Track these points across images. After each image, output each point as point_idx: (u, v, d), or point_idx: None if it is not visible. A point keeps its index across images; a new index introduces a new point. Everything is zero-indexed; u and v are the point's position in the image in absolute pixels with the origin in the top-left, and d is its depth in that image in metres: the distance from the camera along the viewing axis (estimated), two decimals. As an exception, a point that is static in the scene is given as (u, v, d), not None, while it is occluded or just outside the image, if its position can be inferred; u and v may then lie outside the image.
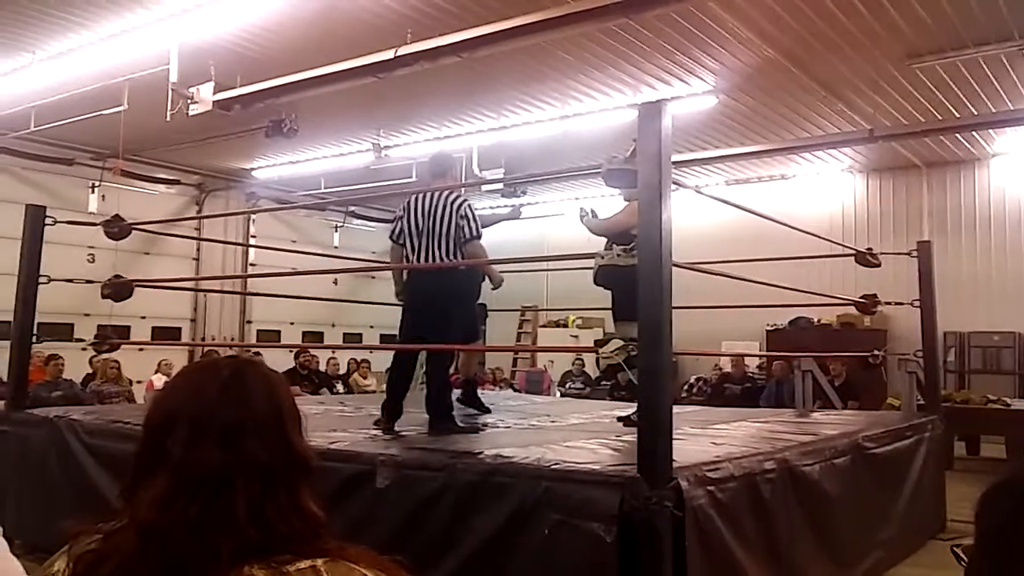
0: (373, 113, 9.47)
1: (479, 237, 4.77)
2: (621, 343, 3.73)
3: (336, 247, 14.00)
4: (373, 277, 13.82)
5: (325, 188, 12.64)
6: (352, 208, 14.74)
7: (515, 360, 14.74)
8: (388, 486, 3.43)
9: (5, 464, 5.17)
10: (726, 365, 11.64)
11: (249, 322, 13.75)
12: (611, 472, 3.05)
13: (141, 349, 10.51)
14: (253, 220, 13.74)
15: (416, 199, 4.85)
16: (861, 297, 6.71)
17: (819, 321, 11.69)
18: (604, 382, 11.58)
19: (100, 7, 6.81)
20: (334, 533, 1.09)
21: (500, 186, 10.96)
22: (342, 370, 11.82)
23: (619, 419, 5.06)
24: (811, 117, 9.41)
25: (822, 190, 12.27)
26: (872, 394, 9.06)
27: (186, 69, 7.20)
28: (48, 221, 5.35)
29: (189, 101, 7.48)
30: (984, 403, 8.55)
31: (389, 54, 6.53)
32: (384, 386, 10.69)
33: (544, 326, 14.60)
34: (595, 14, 5.69)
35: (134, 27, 6.97)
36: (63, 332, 9.19)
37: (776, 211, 7.25)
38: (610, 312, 4.98)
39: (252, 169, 12.64)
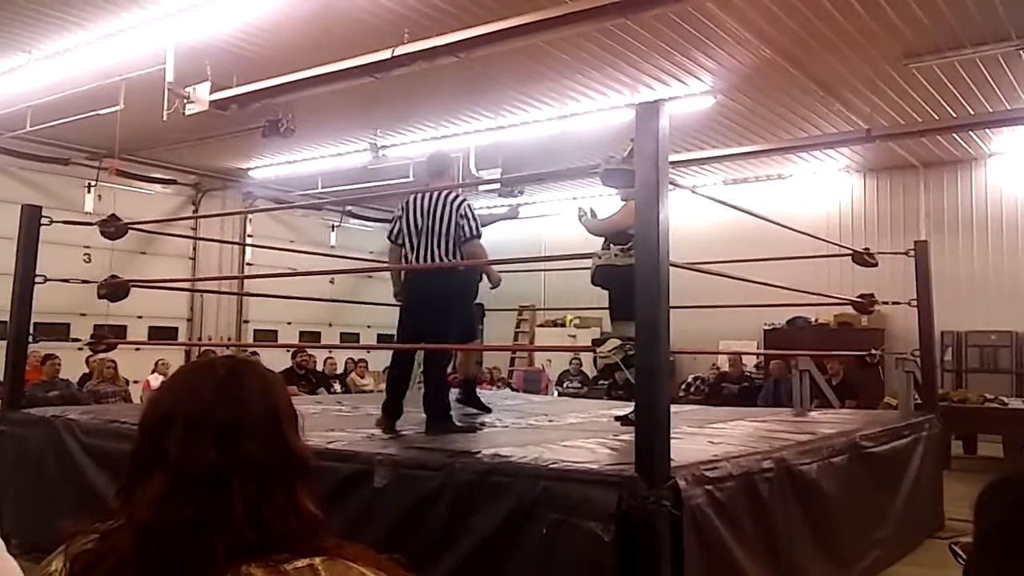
0: (370, 113, 9.47)
1: (479, 236, 4.77)
2: (619, 342, 3.74)
3: (333, 247, 14.00)
4: (370, 277, 13.80)
5: (322, 188, 12.63)
6: (349, 208, 14.73)
7: (513, 359, 14.74)
8: (386, 485, 3.43)
9: (2, 464, 5.16)
10: (724, 364, 11.65)
11: (246, 322, 13.74)
12: (609, 471, 3.05)
13: (138, 349, 10.49)
14: (250, 220, 13.73)
15: (415, 199, 4.85)
16: (858, 296, 6.72)
17: (816, 320, 11.71)
18: (602, 381, 11.58)
19: (96, 7, 6.79)
20: (332, 532, 1.08)
21: (498, 186, 11.02)
22: (339, 370, 11.80)
23: (617, 418, 5.06)
24: (808, 117, 9.42)
25: (819, 190, 12.28)
26: (870, 393, 9.07)
27: (182, 69, 7.19)
28: (44, 221, 5.34)
29: (185, 101, 7.47)
30: (981, 402, 8.56)
31: (386, 54, 6.53)
32: (381, 385, 10.72)
33: (542, 325, 14.61)
34: (593, 14, 5.69)
35: (130, 27, 6.96)
36: (59, 332, 9.16)
37: (773, 211, 7.26)
38: (607, 312, 4.98)
39: (249, 169, 12.63)
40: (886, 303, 6.48)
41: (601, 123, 9.16)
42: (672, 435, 3.07)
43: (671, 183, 3.30)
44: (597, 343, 4.00)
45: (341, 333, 14.54)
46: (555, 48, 7.41)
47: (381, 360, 11.00)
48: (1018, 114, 8.61)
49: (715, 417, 5.66)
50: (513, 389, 11.94)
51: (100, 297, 5.39)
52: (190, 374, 1.19)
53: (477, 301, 5.54)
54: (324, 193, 12.82)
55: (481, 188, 11.27)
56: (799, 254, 7.85)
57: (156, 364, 10.22)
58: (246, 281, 12.91)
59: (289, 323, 13.87)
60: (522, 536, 3.05)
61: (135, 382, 9.96)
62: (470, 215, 4.74)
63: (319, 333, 14.29)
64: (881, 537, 4.73)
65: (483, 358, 13.20)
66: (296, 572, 0.99)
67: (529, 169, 10.54)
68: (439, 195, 4.78)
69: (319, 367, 11.29)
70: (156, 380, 9.53)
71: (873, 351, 6.96)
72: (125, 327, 10.74)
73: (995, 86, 8.14)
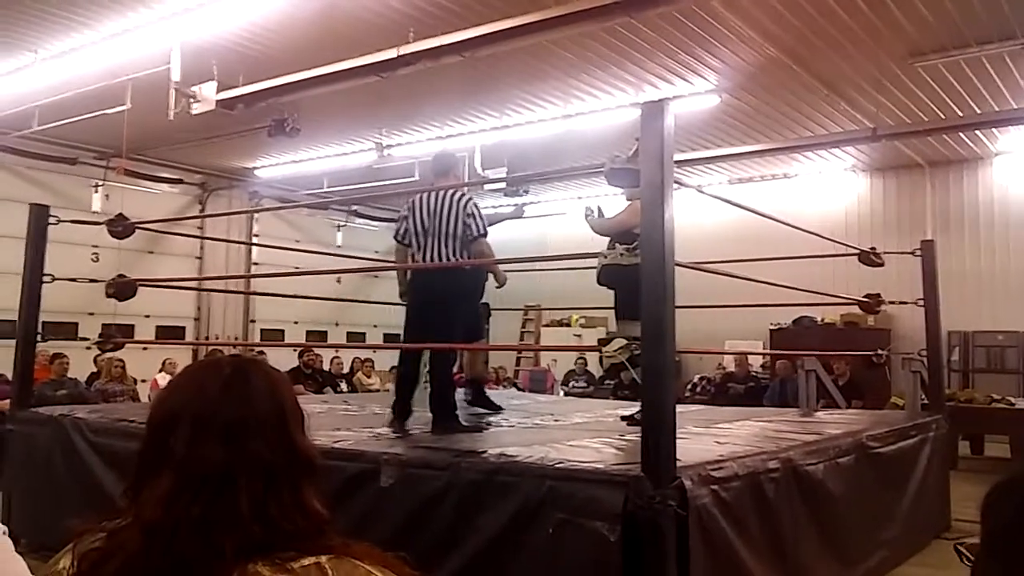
0: (376, 112, 9.47)
1: (485, 235, 4.78)
2: (624, 342, 3.74)
3: (339, 246, 14.01)
4: (377, 276, 13.81)
5: (328, 187, 12.63)
6: (355, 207, 14.74)
7: (518, 359, 14.74)
8: (392, 485, 3.43)
9: (11, 462, 5.18)
10: (730, 364, 11.63)
11: (253, 321, 13.76)
12: (615, 471, 3.05)
13: (145, 348, 10.53)
14: (256, 219, 13.74)
15: (421, 199, 4.85)
16: (865, 296, 6.71)
17: (823, 320, 11.67)
18: (607, 381, 11.58)
19: (102, 6, 6.81)
20: (338, 531, 1.09)
21: (503, 185, 11.02)
22: (346, 369, 11.81)
23: (623, 418, 5.06)
24: (814, 116, 9.40)
25: (825, 189, 12.25)
26: (876, 393, 9.05)
27: (189, 68, 7.20)
28: (52, 220, 5.36)
29: (192, 100, 7.48)
30: (988, 402, 8.53)
31: (392, 53, 6.54)
32: (388, 385, 10.73)
33: (547, 325, 14.60)
34: (597, 13, 5.69)
35: (137, 26, 6.97)
36: (67, 331, 9.23)
37: (779, 210, 7.25)
38: (613, 311, 4.98)
39: (255, 168, 12.65)
40: (892, 303, 6.46)
41: (606, 122, 9.15)
42: (678, 435, 3.07)
43: (676, 182, 3.30)
44: (603, 343, 4.00)
45: (347, 332, 14.55)
46: (560, 47, 7.41)
47: (387, 359, 11.01)
48: (1025, 113, 8.59)
49: (721, 417, 5.66)
50: (519, 389, 11.95)
51: (108, 296, 5.41)
52: (197, 373, 1.19)
53: (483, 301, 5.55)
54: (330, 192, 12.83)
55: (486, 187, 11.28)
56: (805, 254, 7.84)
57: (163, 363, 10.25)
58: (253, 280, 12.94)
59: (296, 322, 13.90)
60: (528, 536, 3.05)
61: (143, 381, 9.98)
62: (477, 214, 4.74)
63: (326, 332, 14.31)
64: (887, 537, 4.72)
65: (489, 358, 13.21)
66: (303, 570, 1.00)
67: (534, 168, 10.54)
68: (445, 194, 4.78)
69: (326, 366, 11.31)
70: (163, 379, 9.55)
71: (880, 351, 6.94)
72: (133, 326, 10.78)
73: (1001, 85, 8.12)
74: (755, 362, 11.68)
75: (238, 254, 13.64)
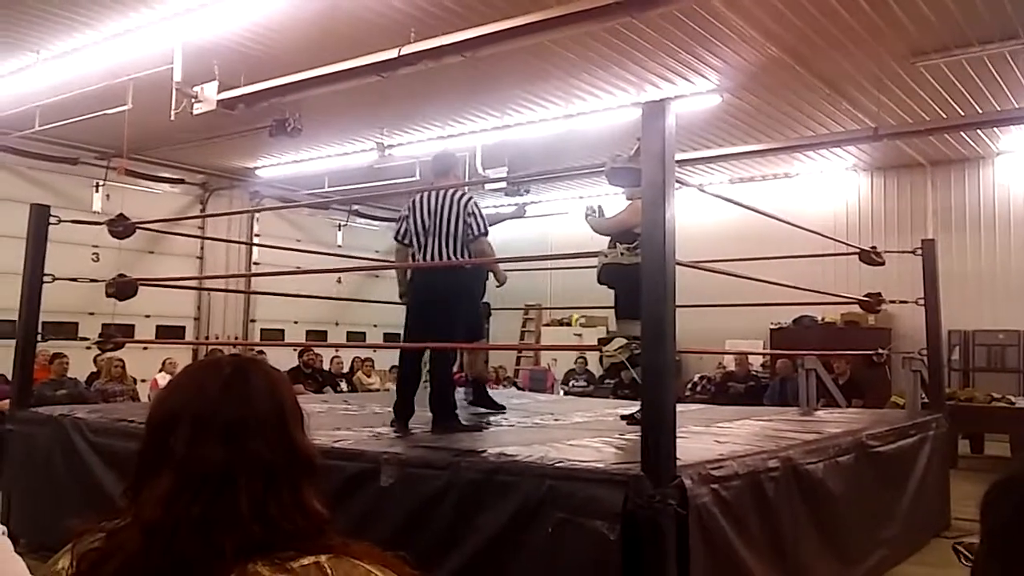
0: (377, 112, 9.48)
1: (486, 234, 4.78)
2: (624, 341, 3.74)
3: (340, 246, 14.02)
4: (377, 276, 13.82)
5: (329, 187, 12.63)
6: (356, 207, 14.74)
7: (518, 358, 14.74)
8: (392, 484, 3.43)
9: (10, 462, 5.18)
10: (730, 364, 11.62)
11: (253, 321, 13.77)
12: (615, 470, 3.05)
13: (145, 348, 10.53)
14: (257, 219, 13.74)
15: (421, 198, 4.85)
16: (865, 295, 6.71)
17: (823, 319, 11.67)
18: (607, 380, 11.57)
19: (104, 6, 6.81)
20: (338, 530, 1.09)
21: (504, 185, 11.02)
22: (346, 368, 11.82)
23: (623, 417, 5.06)
24: (815, 115, 9.39)
25: (826, 188, 12.25)
26: (876, 392, 9.04)
27: (190, 68, 7.20)
28: (52, 220, 5.37)
29: (193, 100, 7.49)
30: (988, 401, 8.53)
31: (393, 53, 6.54)
32: (388, 384, 10.74)
33: (548, 325, 14.60)
34: (599, 13, 5.68)
35: (138, 26, 6.97)
36: (68, 331, 9.23)
37: (780, 210, 7.25)
38: (613, 311, 4.98)
39: (256, 168, 12.65)
40: (893, 302, 6.46)
41: (607, 122, 9.15)
42: (678, 434, 3.07)
43: (677, 182, 3.30)
44: (603, 342, 4.00)
45: (348, 332, 14.55)
46: (561, 47, 7.41)
47: (388, 359, 11.02)
48: (1026, 112, 8.58)
49: (721, 416, 5.66)
50: (519, 388, 11.95)
51: (108, 296, 5.41)
52: (197, 373, 1.19)
53: (483, 300, 5.55)
54: (331, 192, 12.83)
55: (487, 187, 11.28)
56: (806, 253, 7.85)
57: (164, 363, 10.25)
58: (253, 280, 12.96)
59: (296, 322, 13.90)
60: (528, 535, 3.05)
61: (143, 381, 9.99)
62: (477, 213, 4.75)
63: (326, 332, 14.31)
64: (887, 536, 4.72)
65: (489, 357, 13.22)
66: (303, 570, 1.00)
67: (535, 168, 10.54)
68: (446, 194, 4.78)
69: (326, 366, 11.31)
70: (163, 379, 9.55)
71: (880, 350, 6.94)
72: (133, 326, 10.78)
73: (1003, 84, 8.11)
74: (755, 361, 11.67)
75: (238, 254, 13.64)
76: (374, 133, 10.48)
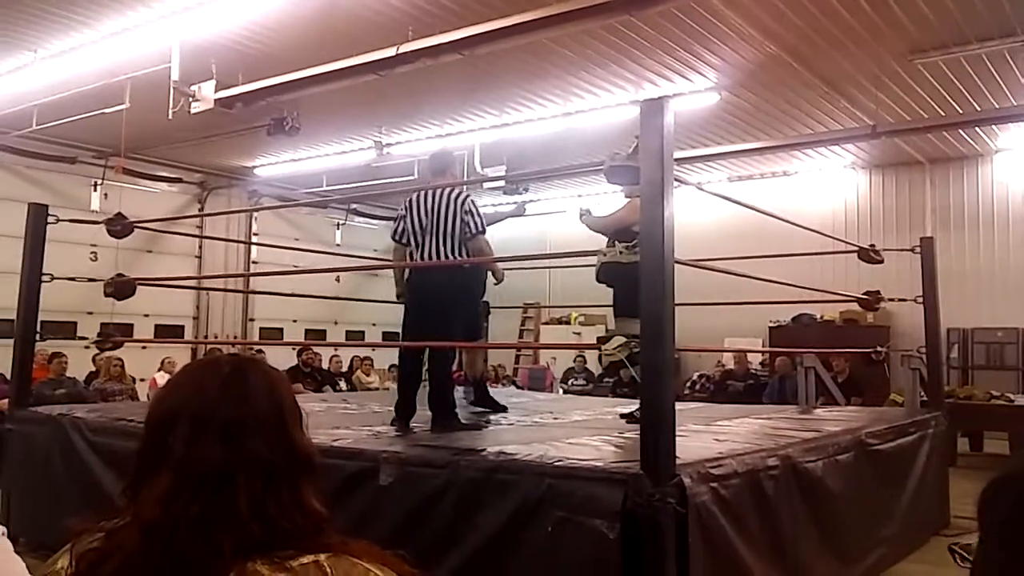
0: (375, 110, 9.47)
1: (483, 232, 4.77)
2: (623, 340, 3.74)
3: (338, 245, 14.02)
4: (376, 275, 13.81)
5: (327, 186, 12.64)
6: (354, 206, 14.73)
7: (518, 357, 14.75)
8: (391, 483, 3.43)
9: (9, 462, 5.18)
10: (729, 362, 11.63)
11: (251, 320, 13.76)
12: (614, 469, 3.05)
13: (144, 347, 10.53)
14: (255, 218, 13.74)
15: (418, 197, 4.84)
16: (864, 293, 6.71)
17: (822, 317, 11.68)
18: (607, 379, 11.59)
19: (102, 5, 6.80)
20: (337, 529, 1.09)
21: (502, 183, 11.01)
22: (345, 367, 11.83)
23: (622, 416, 5.06)
24: (814, 113, 9.39)
25: (825, 186, 12.25)
26: (875, 390, 9.05)
27: (188, 67, 7.20)
28: (51, 219, 5.36)
29: (191, 99, 7.48)
30: (987, 399, 8.54)
31: (391, 51, 6.53)
32: (387, 383, 10.74)
33: (547, 323, 14.60)
34: (597, 11, 5.68)
35: (136, 25, 6.97)
36: (66, 330, 9.21)
37: (778, 208, 7.25)
38: (612, 309, 4.97)
39: (254, 167, 12.64)
40: (892, 300, 6.46)
41: (606, 120, 9.15)
42: (677, 433, 3.07)
43: (676, 180, 3.30)
44: (602, 341, 4.00)
45: (346, 331, 14.55)
46: (559, 45, 7.41)
47: (387, 358, 11.02)
48: (1024, 110, 8.58)
49: (720, 415, 5.66)
50: (518, 387, 11.95)
51: (106, 295, 5.40)
52: (195, 372, 1.19)
53: (483, 299, 5.54)
54: (329, 191, 12.83)
55: (486, 185, 11.28)
56: (804, 251, 7.85)
57: (162, 362, 10.25)
58: (252, 279, 12.94)
59: (295, 321, 13.90)
60: (527, 534, 3.05)
61: (141, 380, 9.98)
62: (474, 211, 4.74)
63: (324, 331, 14.31)
64: (886, 535, 4.72)
65: (488, 356, 13.22)
66: (302, 568, 1.00)
67: (534, 166, 10.53)
68: (443, 193, 4.77)
69: (325, 365, 11.32)
70: (162, 378, 9.55)
71: (879, 348, 6.95)
72: (131, 325, 10.77)
73: (1001, 82, 8.11)
74: (754, 359, 11.68)
75: (237, 253, 13.64)
76: (372, 132, 10.47)
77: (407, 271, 5.04)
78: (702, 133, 10.05)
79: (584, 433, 4.34)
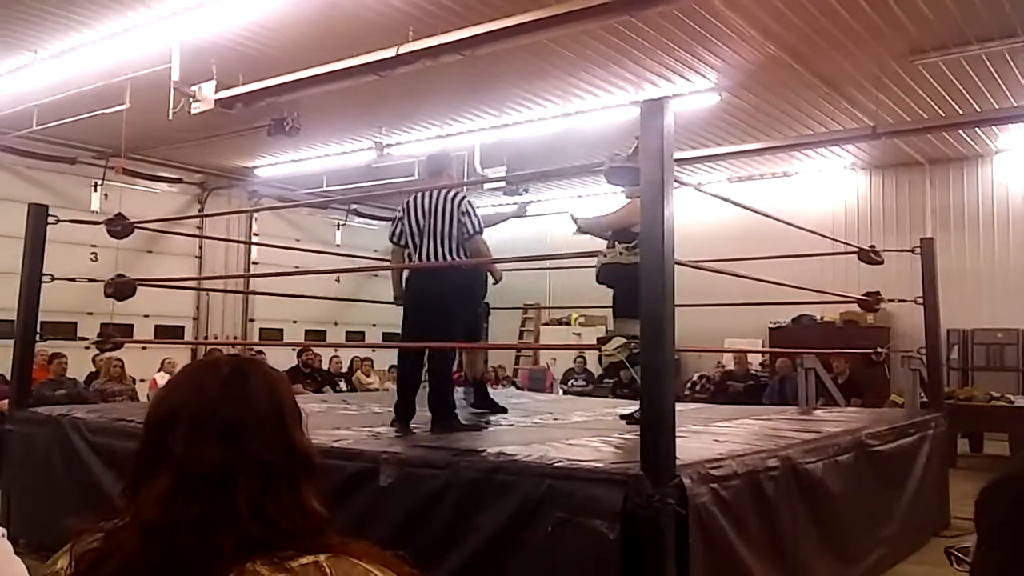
0: (375, 111, 9.47)
1: (481, 232, 4.77)
2: (623, 341, 3.74)
3: (338, 245, 14.01)
4: (376, 275, 13.80)
5: (327, 186, 12.64)
6: (354, 206, 14.74)
7: (518, 358, 14.74)
8: (391, 484, 3.43)
9: (9, 462, 5.18)
10: (729, 363, 11.63)
11: (252, 320, 13.76)
12: (614, 470, 3.05)
13: (144, 348, 10.53)
14: (255, 218, 13.74)
15: (415, 199, 4.84)
16: (864, 294, 6.71)
17: (822, 318, 11.68)
18: (607, 380, 11.58)
19: (102, 6, 6.81)
20: (337, 530, 1.09)
21: (503, 184, 11.01)
22: (344, 368, 11.83)
23: (622, 417, 5.06)
24: (814, 114, 9.40)
25: (825, 187, 12.25)
26: (875, 391, 9.05)
27: (188, 68, 7.20)
28: (51, 220, 5.36)
29: (191, 100, 7.48)
30: (987, 400, 8.53)
31: (391, 52, 6.53)
32: (387, 384, 10.74)
33: (547, 324, 14.60)
34: (597, 11, 5.68)
35: (136, 26, 6.97)
36: (66, 331, 9.22)
37: (778, 209, 7.26)
38: (611, 310, 4.97)
39: (254, 167, 12.64)
40: (892, 301, 6.46)
41: (606, 121, 9.15)
42: (677, 433, 3.07)
43: (676, 181, 3.30)
44: (602, 341, 4.00)
45: (347, 332, 14.55)
46: (560, 46, 7.41)
47: (387, 359, 11.02)
48: (1024, 111, 8.58)
49: (720, 415, 5.65)
50: (518, 388, 11.95)
51: (106, 296, 5.40)
52: (195, 372, 1.19)
53: (484, 300, 5.53)
54: (329, 192, 12.83)
55: (486, 186, 11.28)
56: (804, 252, 7.84)
57: (162, 363, 10.25)
58: (252, 280, 12.94)
59: (295, 322, 13.90)
60: (527, 534, 3.05)
61: (141, 381, 9.98)
62: (471, 211, 4.73)
63: (324, 332, 14.31)
64: (886, 535, 4.72)
65: (488, 356, 13.21)
66: (301, 569, 1.00)
67: (534, 167, 10.54)
68: (439, 194, 4.77)
69: (324, 366, 11.32)
70: (162, 379, 9.55)
71: (879, 349, 6.95)
72: (131, 326, 10.77)
73: (1001, 82, 8.11)
74: (754, 360, 11.68)
75: (237, 253, 13.64)
76: (372, 132, 10.48)
77: (405, 275, 5.04)
78: (702, 134, 10.05)
79: (584, 434, 4.34)
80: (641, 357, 3.07)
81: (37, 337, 5.43)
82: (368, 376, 11.79)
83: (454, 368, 5.59)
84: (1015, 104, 8.55)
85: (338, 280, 13.03)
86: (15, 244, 5.69)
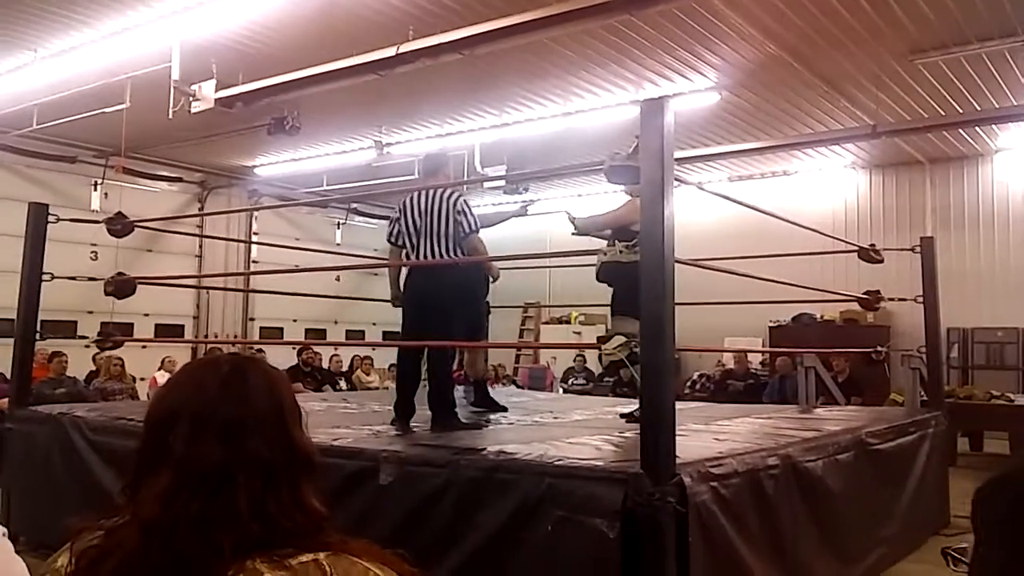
0: (375, 110, 9.47)
1: (477, 231, 4.77)
2: (624, 339, 3.74)
3: (338, 244, 14.01)
4: (376, 274, 13.77)
5: (327, 185, 12.64)
6: (354, 205, 14.73)
7: (518, 357, 14.75)
8: (391, 482, 3.43)
9: (9, 461, 5.18)
10: (729, 361, 11.63)
11: (252, 319, 13.77)
12: (614, 468, 3.05)
13: (144, 346, 10.53)
14: (255, 217, 13.74)
15: (411, 199, 4.84)
16: (864, 293, 6.71)
17: (822, 317, 11.68)
18: (607, 378, 11.57)
19: (102, 4, 6.80)
20: (337, 528, 1.09)
21: (502, 183, 11.00)
22: (345, 367, 11.83)
23: (622, 415, 5.06)
24: (814, 113, 9.39)
25: (825, 186, 12.25)
26: (875, 390, 9.05)
27: (188, 66, 7.20)
28: (51, 219, 5.36)
29: (191, 99, 7.48)
30: (987, 399, 8.54)
31: (391, 51, 6.53)
32: (387, 383, 10.73)
33: (547, 323, 14.60)
34: (597, 10, 5.68)
35: (136, 25, 6.97)
36: (66, 329, 9.22)
37: (779, 207, 7.25)
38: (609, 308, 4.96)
39: (254, 166, 12.65)
40: (892, 300, 6.46)
41: (606, 120, 9.15)
42: (677, 432, 3.07)
43: (676, 179, 3.29)
44: (602, 340, 4.00)
45: (347, 330, 14.55)
46: (560, 45, 7.41)
47: (387, 357, 11.01)
48: (1024, 110, 8.58)
49: (720, 414, 5.66)
50: (518, 386, 11.95)
51: (107, 294, 5.40)
52: (195, 371, 1.19)
53: (486, 298, 5.53)
54: (329, 190, 12.83)
55: (486, 185, 11.27)
56: (805, 251, 7.84)
57: (162, 361, 10.25)
58: (252, 278, 12.94)
59: (295, 320, 13.90)
60: (527, 533, 3.05)
61: (142, 379, 9.99)
62: (467, 210, 4.73)
63: (325, 330, 14.31)
64: (886, 534, 4.72)
65: (488, 355, 13.20)
66: (301, 567, 1.00)
67: (534, 166, 10.53)
68: (435, 193, 4.77)
69: (325, 364, 11.32)
70: (162, 377, 9.55)
71: (879, 348, 6.95)
72: (132, 324, 10.77)
73: (1001, 82, 8.11)
74: (754, 359, 11.68)
75: (237, 252, 13.64)
76: (372, 131, 10.47)
77: (403, 276, 5.04)
78: (702, 133, 10.05)
79: (584, 432, 4.34)
80: (641, 356, 3.07)
81: (37, 336, 5.44)
82: (368, 375, 11.79)
83: (454, 367, 5.59)
84: (1015, 103, 8.55)
85: (338, 279, 13.03)
86: (15, 243, 5.69)
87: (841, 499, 4.18)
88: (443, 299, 4.65)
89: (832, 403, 7.22)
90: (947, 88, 8.32)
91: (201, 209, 13.02)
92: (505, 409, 5.60)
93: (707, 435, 4.26)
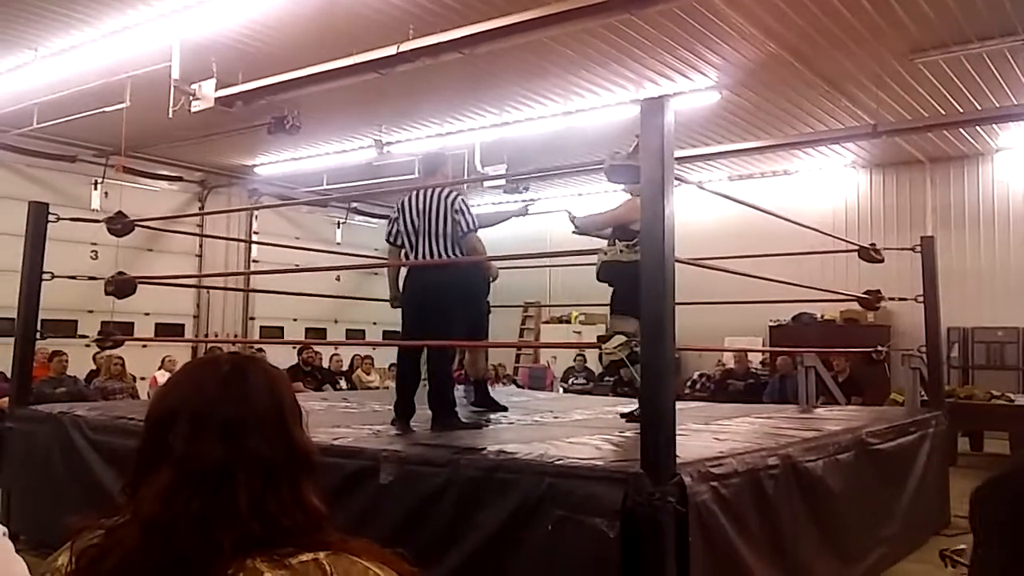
0: (375, 109, 9.47)
1: (475, 230, 4.76)
2: (624, 339, 3.74)
3: (339, 243, 14.01)
4: (376, 273, 13.76)
5: (327, 184, 12.64)
6: (354, 204, 14.72)
7: (518, 356, 14.75)
8: (391, 482, 3.43)
9: (10, 460, 5.18)
10: (729, 361, 11.63)
11: (252, 318, 13.77)
12: (614, 468, 3.05)
13: (144, 345, 10.53)
14: (256, 217, 13.74)
15: (409, 199, 4.84)
16: (864, 293, 6.70)
17: (822, 317, 11.68)
18: (607, 378, 11.56)
19: (102, 3, 6.80)
20: (337, 528, 1.09)
21: (503, 182, 11.01)
22: (345, 366, 11.83)
23: (622, 415, 5.06)
24: (814, 112, 9.39)
25: (825, 186, 12.25)
26: (876, 390, 9.05)
27: (188, 66, 7.20)
28: (51, 218, 5.36)
29: (191, 98, 7.48)
30: (988, 399, 8.54)
31: (391, 50, 6.53)
32: (387, 382, 10.73)
33: (547, 322, 14.60)
34: (598, 9, 5.68)
35: (136, 24, 6.97)
36: (67, 328, 9.22)
37: (779, 207, 7.25)
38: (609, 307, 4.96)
39: (254, 166, 12.65)
40: (892, 299, 6.47)
41: (606, 119, 9.15)
42: (677, 432, 3.07)
43: (676, 179, 3.29)
44: (603, 340, 4.00)
45: (347, 330, 14.56)
46: (560, 44, 7.40)
47: (387, 357, 11.02)
48: (1025, 109, 8.58)
49: (720, 414, 5.65)
50: (518, 386, 11.95)
51: (107, 294, 5.41)
52: (195, 370, 1.19)
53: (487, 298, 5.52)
54: (329, 190, 12.82)
55: (486, 184, 11.27)
56: (805, 250, 7.84)
57: (163, 361, 10.25)
58: (252, 278, 12.94)
59: (295, 320, 13.90)
60: (527, 532, 3.05)
61: (142, 378, 9.99)
62: (465, 210, 4.73)
63: (325, 330, 14.32)
64: (887, 534, 4.72)
65: (488, 355, 13.19)
66: (301, 566, 1.00)
67: (534, 165, 10.53)
68: (433, 193, 4.77)
69: (325, 364, 11.32)
70: (163, 376, 9.55)
71: (879, 347, 6.95)
72: (132, 324, 10.78)
73: (1001, 81, 8.11)
74: (755, 359, 11.68)
75: (237, 252, 13.64)
76: (372, 130, 10.47)
77: (401, 276, 5.03)
78: (703, 132, 10.05)
79: (584, 432, 4.34)
80: (641, 355, 3.07)
81: (37, 335, 5.44)
82: (368, 374, 11.79)
83: (454, 366, 5.59)
84: (1016, 102, 8.55)
85: (338, 278, 13.03)
86: (15, 242, 5.69)
87: (841, 499, 4.18)
88: (443, 298, 4.64)
89: (832, 403, 7.22)
90: (947, 87, 8.32)
91: (201, 208, 13.02)
92: (505, 409, 5.60)
93: (707, 435, 4.26)
